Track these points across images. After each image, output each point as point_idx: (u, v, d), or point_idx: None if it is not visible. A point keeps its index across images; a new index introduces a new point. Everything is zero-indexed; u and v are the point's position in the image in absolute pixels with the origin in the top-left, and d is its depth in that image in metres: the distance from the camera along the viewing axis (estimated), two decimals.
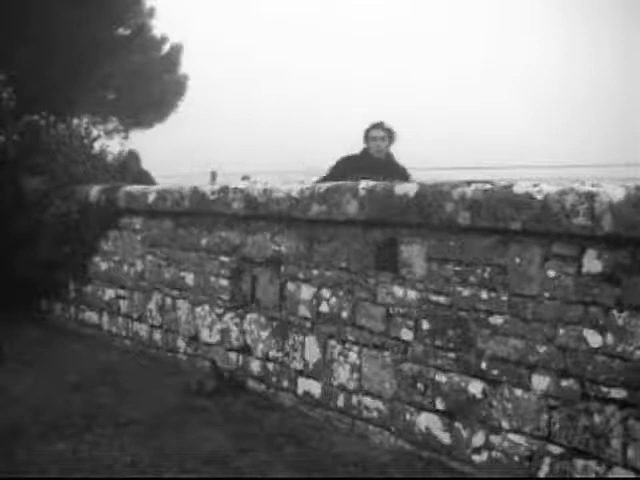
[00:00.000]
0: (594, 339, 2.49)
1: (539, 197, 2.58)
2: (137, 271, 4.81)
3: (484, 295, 2.82)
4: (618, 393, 2.42)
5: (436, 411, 2.99)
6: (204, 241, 4.25)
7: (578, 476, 2.52)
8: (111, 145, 6.30)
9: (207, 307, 4.22)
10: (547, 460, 2.61)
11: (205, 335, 4.24)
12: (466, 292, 2.88)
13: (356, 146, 4.67)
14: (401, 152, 4.68)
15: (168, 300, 4.53)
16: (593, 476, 2.48)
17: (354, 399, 3.34)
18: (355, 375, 3.33)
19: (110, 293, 5.09)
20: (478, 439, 2.83)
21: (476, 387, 2.84)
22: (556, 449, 2.59)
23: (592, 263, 2.49)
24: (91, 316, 5.29)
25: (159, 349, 4.60)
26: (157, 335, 4.63)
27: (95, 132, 6.30)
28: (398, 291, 3.14)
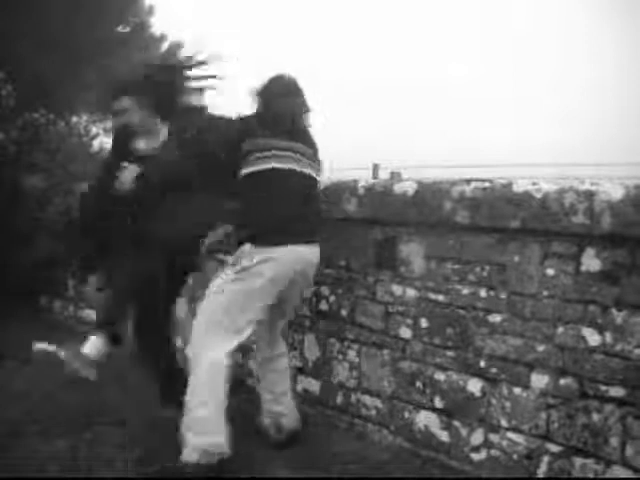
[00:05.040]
0: (593, 338, 2.49)
1: (538, 196, 2.58)
2: None
3: (483, 293, 2.82)
4: (617, 391, 2.42)
5: (435, 409, 2.99)
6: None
7: (577, 475, 2.52)
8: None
9: None
10: (546, 458, 2.62)
11: None
12: (465, 290, 2.88)
13: None
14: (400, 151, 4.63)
15: None
16: (592, 475, 2.48)
17: (353, 397, 3.34)
18: (354, 373, 3.33)
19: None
20: (477, 437, 2.84)
21: (475, 385, 2.84)
22: (555, 447, 2.59)
23: (591, 262, 2.49)
24: (90, 314, 5.28)
25: None
26: None
27: (94, 130, 6.30)
28: (397, 289, 3.14)
